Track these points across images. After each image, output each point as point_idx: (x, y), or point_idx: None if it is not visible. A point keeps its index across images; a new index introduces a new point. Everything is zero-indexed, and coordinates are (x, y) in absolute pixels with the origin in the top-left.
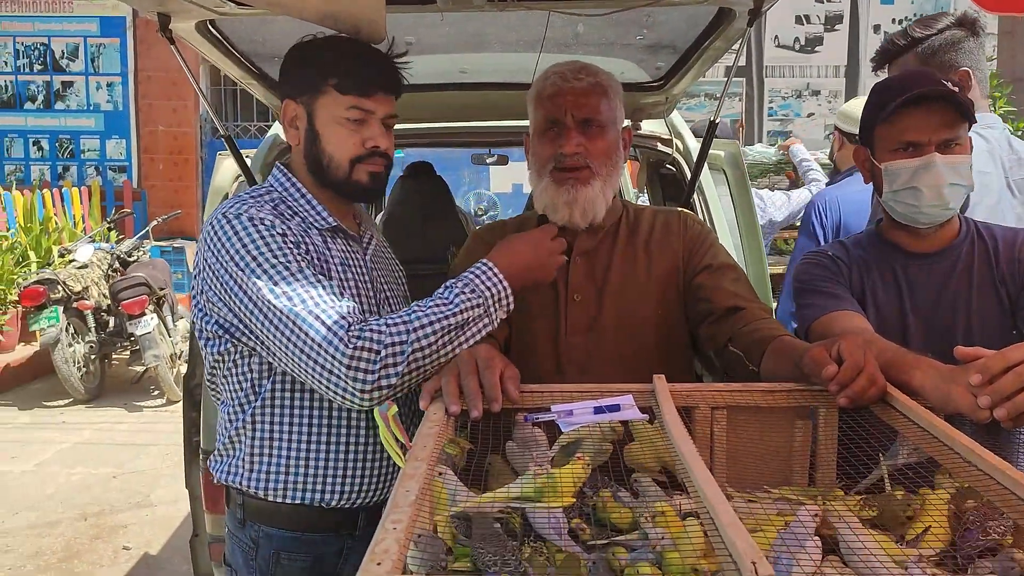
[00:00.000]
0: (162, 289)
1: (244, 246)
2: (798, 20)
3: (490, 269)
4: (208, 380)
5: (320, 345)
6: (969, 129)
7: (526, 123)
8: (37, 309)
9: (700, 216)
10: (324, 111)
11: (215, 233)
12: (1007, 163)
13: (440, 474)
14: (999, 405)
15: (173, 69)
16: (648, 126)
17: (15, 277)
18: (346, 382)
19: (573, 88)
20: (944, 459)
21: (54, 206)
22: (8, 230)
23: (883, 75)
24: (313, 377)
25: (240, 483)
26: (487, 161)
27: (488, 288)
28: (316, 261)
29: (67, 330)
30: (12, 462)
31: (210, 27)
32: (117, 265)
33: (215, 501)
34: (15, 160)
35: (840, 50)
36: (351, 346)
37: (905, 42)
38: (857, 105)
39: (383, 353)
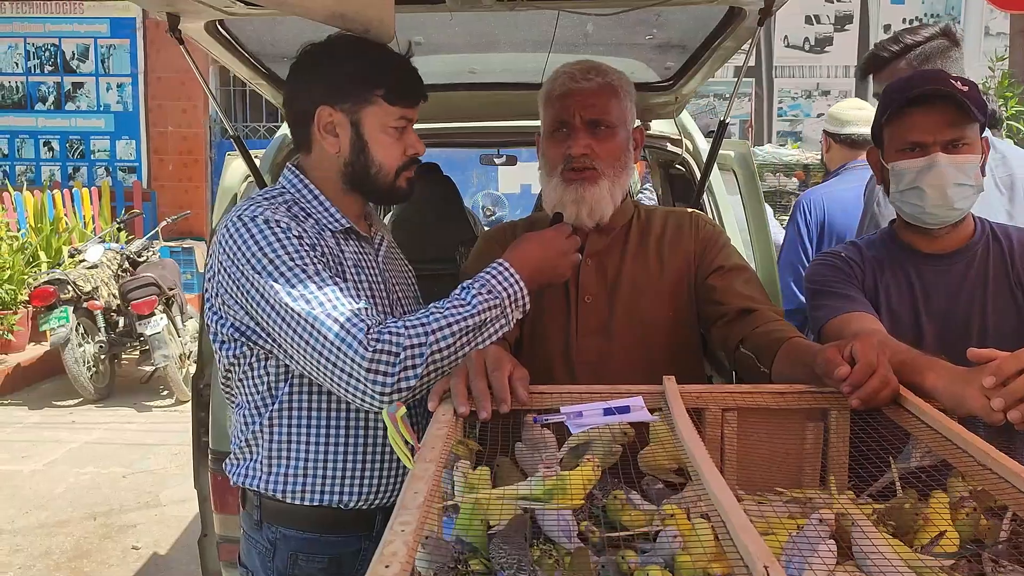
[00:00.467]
0: (171, 289)
1: (260, 249)
2: (808, 20)
3: (506, 269)
4: (223, 383)
5: (339, 348)
6: (983, 130)
7: (535, 123)
8: (47, 309)
9: (710, 216)
10: (372, 120)
11: (230, 236)
12: (991, 162)
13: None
14: (1013, 407)
15: (183, 70)
16: (657, 126)
17: (25, 277)
18: (366, 385)
19: (582, 89)
20: (958, 462)
21: (64, 206)
22: (19, 230)
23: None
24: (332, 379)
25: (258, 486)
26: (496, 162)
27: (505, 288)
28: (331, 263)
29: (77, 330)
30: (22, 461)
31: (219, 27)
32: (127, 265)
33: (224, 501)
34: (26, 161)
35: (850, 50)
36: (371, 349)
37: (898, 48)
38: (843, 107)
39: (402, 355)
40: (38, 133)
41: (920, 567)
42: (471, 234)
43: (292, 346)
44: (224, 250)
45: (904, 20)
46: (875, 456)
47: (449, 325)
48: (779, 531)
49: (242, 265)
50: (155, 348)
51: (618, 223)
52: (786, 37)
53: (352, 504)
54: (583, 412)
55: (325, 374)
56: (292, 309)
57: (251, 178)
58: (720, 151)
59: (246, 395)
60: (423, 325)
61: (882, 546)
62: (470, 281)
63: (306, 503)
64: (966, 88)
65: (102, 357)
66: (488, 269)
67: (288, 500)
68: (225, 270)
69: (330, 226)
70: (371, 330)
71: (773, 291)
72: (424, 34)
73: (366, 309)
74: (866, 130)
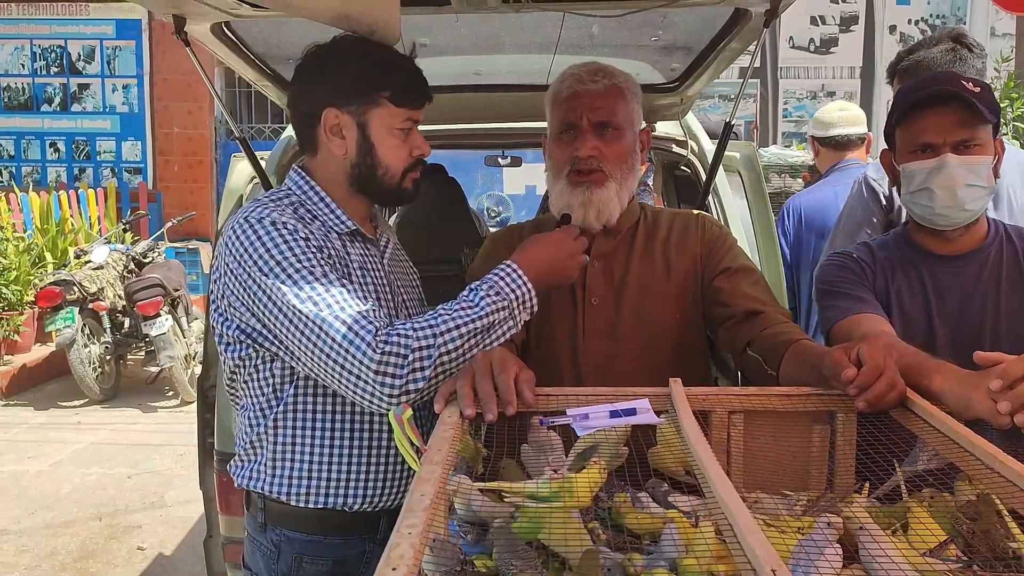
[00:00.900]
0: (177, 290)
1: (267, 250)
2: (813, 21)
3: (515, 271)
4: (228, 385)
5: (347, 349)
6: (996, 132)
7: (540, 125)
8: (53, 310)
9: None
10: (379, 122)
11: (237, 237)
12: None
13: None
14: (1020, 411)
15: (188, 71)
16: (663, 127)
17: (31, 278)
18: (374, 387)
19: (588, 91)
20: (965, 465)
21: (70, 207)
22: (25, 231)
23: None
24: (339, 381)
25: (262, 488)
26: (501, 163)
27: (513, 290)
28: (337, 265)
29: (83, 331)
30: (28, 462)
31: (225, 29)
32: (132, 266)
33: (229, 502)
34: (32, 162)
35: (855, 51)
36: (379, 351)
37: (911, 55)
38: (827, 110)
39: (411, 357)
40: (44, 134)
41: (928, 571)
42: (476, 235)
43: (299, 348)
44: (230, 252)
45: (909, 21)
46: (882, 459)
47: (457, 327)
48: (787, 533)
49: (249, 267)
50: (160, 349)
51: (625, 225)
52: (791, 38)
53: (356, 506)
54: (589, 414)
55: (332, 376)
56: (299, 311)
57: (256, 179)
58: (725, 152)
59: (251, 397)
60: (431, 327)
61: (889, 550)
62: (478, 282)
63: (310, 505)
64: (978, 89)
65: (107, 358)
66: (496, 270)
67: (292, 502)
68: (231, 272)
69: (336, 228)
70: (379, 332)
71: (780, 292)
72: (429, 35)
73: (374, 311)
74: (851, 130)
